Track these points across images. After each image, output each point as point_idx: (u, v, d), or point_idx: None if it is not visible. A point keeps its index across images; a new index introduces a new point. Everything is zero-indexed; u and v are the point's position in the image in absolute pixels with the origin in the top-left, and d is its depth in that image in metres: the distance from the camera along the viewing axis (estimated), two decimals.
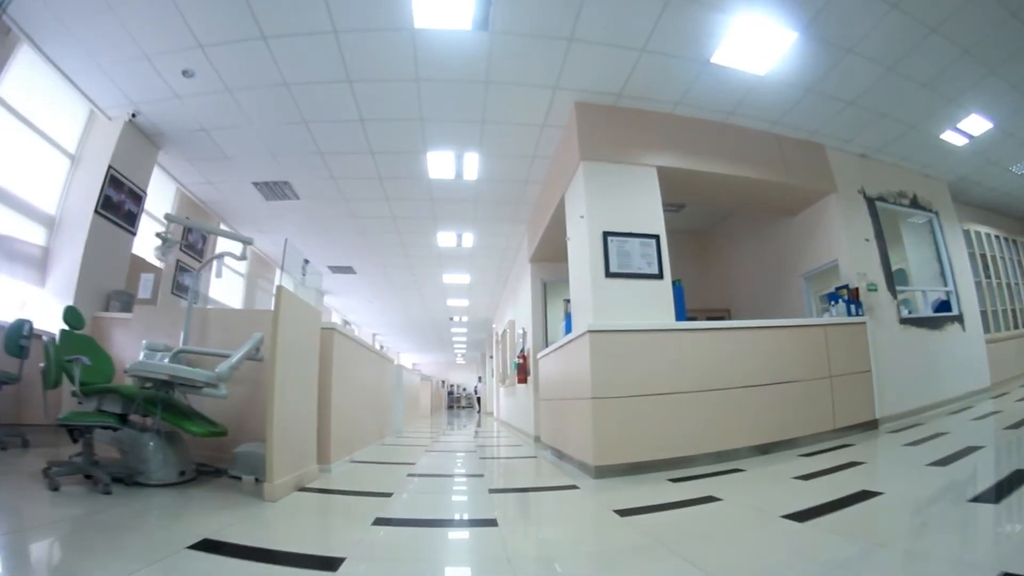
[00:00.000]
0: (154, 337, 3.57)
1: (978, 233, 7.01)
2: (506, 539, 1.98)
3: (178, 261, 6.06)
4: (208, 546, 1.72)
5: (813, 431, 4.02)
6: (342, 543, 1.92)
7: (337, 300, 11.48)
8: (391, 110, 4.51)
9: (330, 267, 8.75)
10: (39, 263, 4.24)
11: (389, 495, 2.82)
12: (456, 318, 14.16)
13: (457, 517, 2.58)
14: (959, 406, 5.09)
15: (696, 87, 4.18)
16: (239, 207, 6.46)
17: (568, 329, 4.47)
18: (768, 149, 4.84)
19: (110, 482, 2.50)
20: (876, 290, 4.94)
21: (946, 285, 5.91)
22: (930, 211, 6.01)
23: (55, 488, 2.41)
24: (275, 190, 5.94)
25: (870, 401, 4.48)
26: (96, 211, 4.38)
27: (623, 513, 2.29)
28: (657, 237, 3.99)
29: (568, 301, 4.56)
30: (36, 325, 3.51)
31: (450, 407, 24.17)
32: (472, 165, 5.27)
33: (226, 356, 3.11)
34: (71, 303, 3.86)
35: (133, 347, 3.63)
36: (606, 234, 3.88)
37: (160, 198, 5.67)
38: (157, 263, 5.26)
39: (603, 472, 3.27)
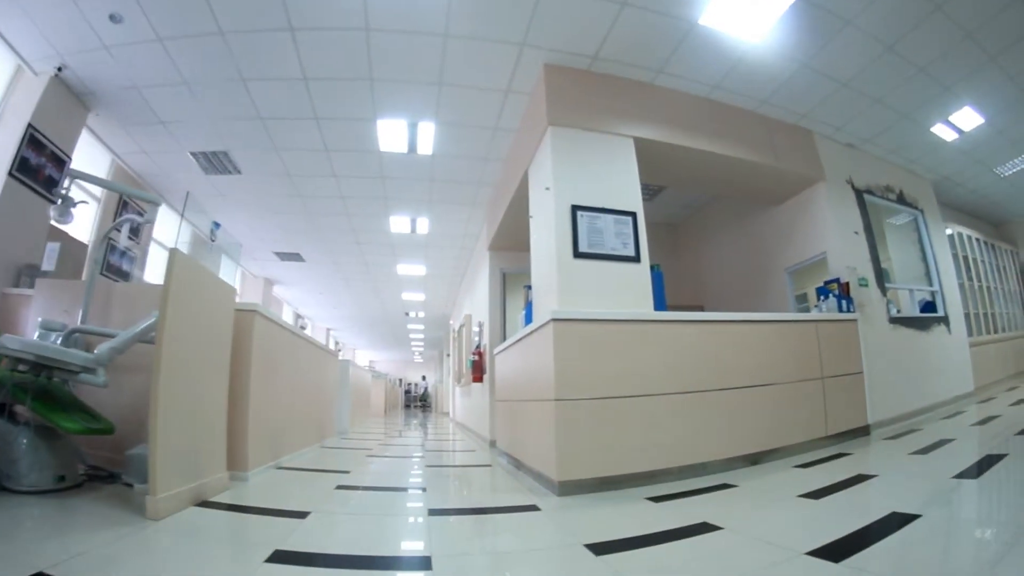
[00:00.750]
0: (54, 315, 3.01)
1: (960, 234, 6.81)
2: None
3: (108, 239, 5.31)
4: None
5: (805, 438, 3.56)
6: None
7: (288, 291, 10.64)
8: (338, 67, 3.92)
9: (277, 253, 7.98)
10: None
11: (305, 515, 2.23)
12: (412, 313, 13.44)
13: (380, 553, 1.96)
14: (948, 411, 4.75)
15: (681, 52, 3.72)
16: (179, 182, 5.74)
17: (528, 319, 3.90)
18: (755, 130, 4.42)
19: None
20: (867, 285, 4.56)
21: (931, 285, 5.62)
22: (916, 208, 5.73)
23: None
24: (215, 162, 5.25)
25: (862, 405, 4.07)
26: (10, 173, 3.78)
27: (598, 549, 1.72)
28: (634, 215, 3.49)
29: (530, 288, 3.98)
30: None
31: (407, 406, 22.86)
32: (427, 137, 4.68)
33: None
34: None
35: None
36: (575, 208, 3.35)
37: (93, 170, 4.94)
38: (57, 225, 4.54)
39: (568, 488, 2.72)
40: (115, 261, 5.40)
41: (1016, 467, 2.41)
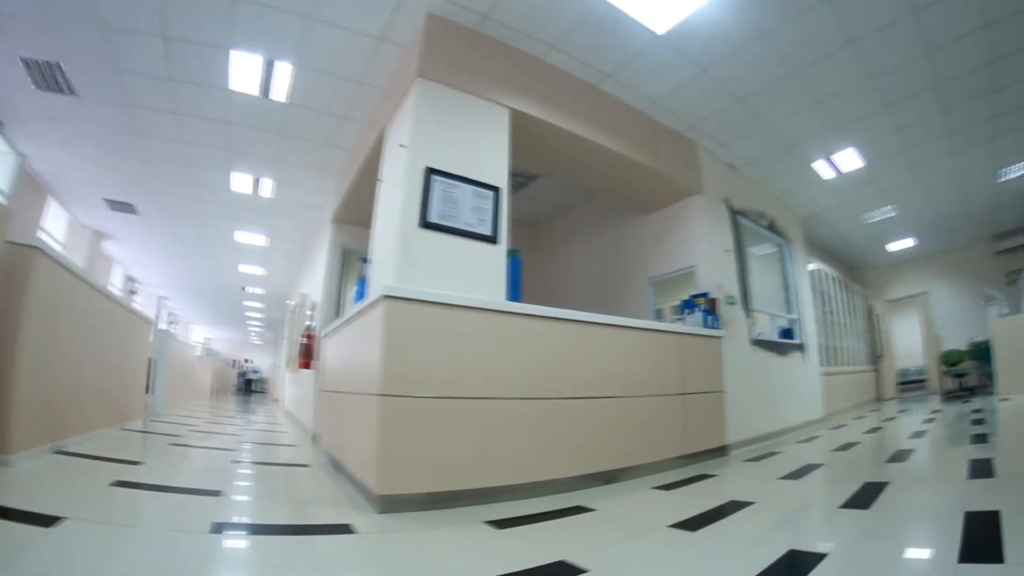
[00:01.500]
0: None
1: (820, 271, 7.27)
2: None
3: None
4: None
5: (662, 456, 3.30)
6: None
7: (119, 249, 8.93)
8: None
9: (107, 200, 6.58)
10: None
11: (54, 521, 1.62)
12: (250, 289, 12.06)
13: None
14: (802, 435, 4.84)
15: (581, 30, 3.36)
16: (8, 99, 4.42)
17: (360, 296, 3.28)
18: (641, 130, 4.22)
19: None
20: (735, 303, 4.53)
21: (791, 313, 5.84)
22: (785, 238, 5.96)
23: None
24: (47, 76, 4.05)
25: (721, 425, 3.94)
26: None
27: None
28: (497, 190, 3.03)
29: (366, 261, 3.36)
30: None
31: (241, 390, 20.53)
32: (284, 80, 3.92)
33: None
34: None
35: None
36: (430, 171, 2.82)
37: None
38: None
39: (392, 504, 2.15)
40: None
41: (906, 497, 2.23)
